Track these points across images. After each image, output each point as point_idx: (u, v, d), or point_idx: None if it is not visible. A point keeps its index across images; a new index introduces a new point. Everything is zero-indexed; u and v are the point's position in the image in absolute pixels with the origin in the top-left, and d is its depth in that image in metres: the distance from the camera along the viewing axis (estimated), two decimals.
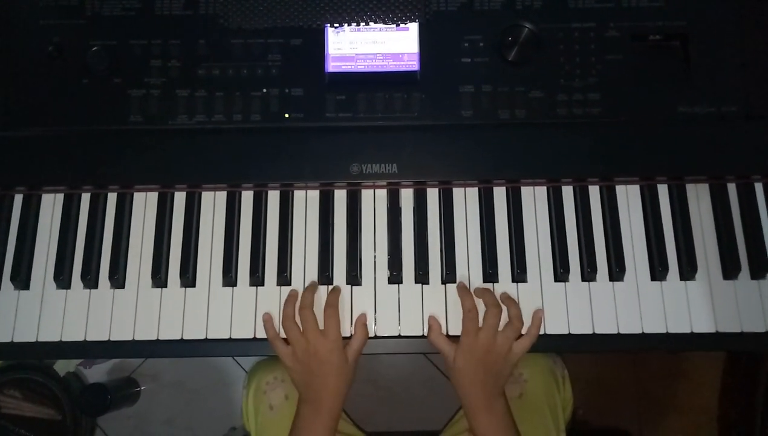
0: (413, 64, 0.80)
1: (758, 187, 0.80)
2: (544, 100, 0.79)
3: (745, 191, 0.80)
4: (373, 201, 0.81)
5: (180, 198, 0.81)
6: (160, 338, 0.76)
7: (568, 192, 0.81)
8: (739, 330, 0.75)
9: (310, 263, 0.79)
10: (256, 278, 0.78)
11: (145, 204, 0.80)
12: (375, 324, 0.76)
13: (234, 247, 0.79)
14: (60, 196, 0.81)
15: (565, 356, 0.94)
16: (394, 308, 0.77)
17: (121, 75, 0.80)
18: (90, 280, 0.77)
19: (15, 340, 0.76)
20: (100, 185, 0.80)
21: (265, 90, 0.79)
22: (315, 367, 0.72)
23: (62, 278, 0.77)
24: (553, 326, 0.76)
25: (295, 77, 0.80)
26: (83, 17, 0.80)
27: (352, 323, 0.76)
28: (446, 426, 0.93)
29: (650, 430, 1.39)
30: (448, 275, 0.77)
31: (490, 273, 0.77)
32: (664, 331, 0.75)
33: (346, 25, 0.80)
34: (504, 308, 0.74)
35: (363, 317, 0.76)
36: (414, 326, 0.76)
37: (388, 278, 0.78)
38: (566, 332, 0.76)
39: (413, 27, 0.81)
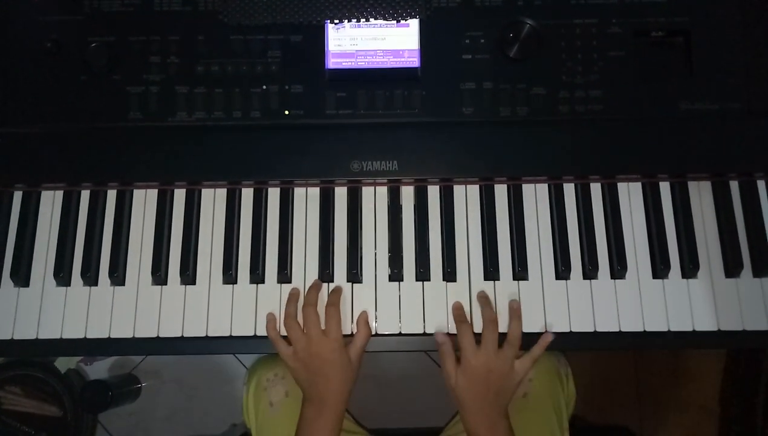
0: (414, 61, 0.80)
1: (761, 185, 0.80)
2: (546, 97, 0.78)
3: (747, 189, 0.79)
4: (374, 198, 0.80)
5: (180, 195, 0.80)
6: (160, 335, 0.76)
7: (569, 189, 0.80)
8: (741, 328, 0.75)
9: (311, 260, 0.78)
10: (257, 276, 0.77)
11: (144, 201, 0.80)
12: (376, 322, 0.76)
13: (234, 244, 0.78)
14: (59, 194, 0.81)
15: (567, 353, 0.94)
16: (394, 306, 0.77)
17: (120, 71, 0.79)
18: (90, 277, 0.77)
19: (15, 337, 0.76)
20: (100, 182, 0.80)
21: (264, 87, 0.79)
22: (317, 366, 0.72)
23: (62, 276, 0.77)
24: (555, 324, 0.75)
25: (295, 74, 0.79)
26: (82, 13, 0.80)
27: (353, 321, 0.76)
28: (448, 424, 0.93)
29: (651, 427, 1.39)
30: (449, 272, 0.77)
31: (491, 271, 0.77)
32: (666, 329, 0.75)
33: (346, 21, 0.80)
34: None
35: (365, 315, 0.76)
36: (415, 324, 0.76)
37: (389, 276, 0.78)
38: (567, 330, 0.75)
39: (414, 23, 0.80)
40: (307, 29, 0.80)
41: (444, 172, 0.79)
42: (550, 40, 0.79)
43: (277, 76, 0.79)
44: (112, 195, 0.81)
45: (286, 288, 0.77)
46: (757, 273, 0.77)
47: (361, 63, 0.80)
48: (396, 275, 0.77)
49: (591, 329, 0.75)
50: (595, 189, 0.80)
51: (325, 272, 0.77)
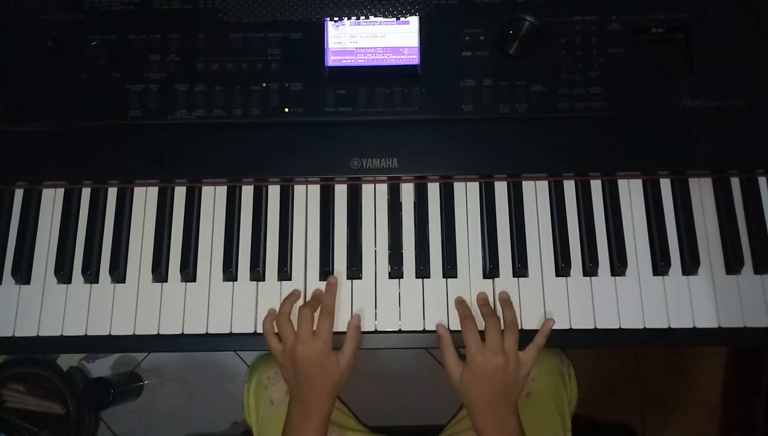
0: (414, 58, 0.80)
1: (762, 181, 0.79)
2: (546, 94, 0.78)
3: (748, 185, 0.79)
4: (374, 196, 0.80)
5: (180, 193, 0.81)
6: (161, 332, 0.76)
7: (569, 186, 0.80)
8: (741, 325, 0.75)
9: (311, 257, 0.79)
10: (257, 273, 0.77)
11: (145, 199, 0.80)
12: (376, 319, 0.76)
13: (234, 242, 0.79)
14: (60, 191, 0.81)
15: (568, 351, 0.94)
16: (394, 303, 0.77)
17: (120, 70, 0.79)
18: (90, 275, 0.78)
19: (16, 334, 0.76)
20: (101, 180, 0.80)
21: (264, 84, 0.79)
22: (304, 368, 0.72)
23: (63, 273, 0.77)
24: (555, 321, 0.75)
25: (294, 71, 0.79)
26: (82, 12, 0.80)
27: (352, 315, 0.76)
28: (450, 422, 0.93)
29: (652, 425, 1.39)
30: (449, 269, 0.77)
31: (491, 268, 0.77)
32: (666, 326, 0.75)
33: (346, 18, 0.80)
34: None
35: (356, 320, 0.75)
36: (415, 321, 0.76)
37: (389, 273, 0.78)
38: (568, 327, 0.75)
39: (414, 21, 0.80)
40: (307, 27, 0.80)
41: (444, 170, 0.79)
42: (549, 37, 0.79)
43: (277, 73, 0.79)
44: (112, 193, 0.81)
45: (286, 286, 0.77)
46: (758, 270, 0.76)
47: (361, 60, 0.80)
48: (396, 272, 0.77)
49: (591, 326, 0.75)
50: (596, 186, 0.80)
51: (325, 269, 0.77)
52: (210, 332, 0.76)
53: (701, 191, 0.79)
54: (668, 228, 0.78)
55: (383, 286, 0.77)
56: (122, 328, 0.76)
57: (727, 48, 0.78)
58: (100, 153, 0.79)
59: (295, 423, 0.73)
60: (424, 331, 0.76)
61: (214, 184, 0.81)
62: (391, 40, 0.80)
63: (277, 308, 0.76)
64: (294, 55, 0.80)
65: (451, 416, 0.94)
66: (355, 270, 0.77)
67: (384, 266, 0.78)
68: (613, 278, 0.77)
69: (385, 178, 0.80)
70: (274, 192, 0.81)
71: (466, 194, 0.80)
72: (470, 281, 0.77)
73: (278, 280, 0.78)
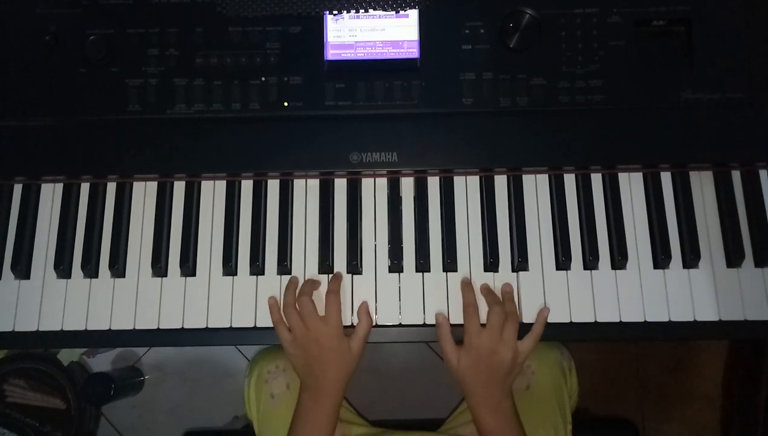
0: (413, 52, 0.80)
1: (763, 175, 0.79)
2: (546, 88, 0.78)
3: (749, 178, 0.79)
4: (374, 190, 0.80)
5: (179, 187, 0.81)
6: (161, 326, 0.76)
7: (570, 180, 0.80)
8: (742, 318, 0.75)
9: (311, 252, 0.78)
10: (257, 267, 0.77)
11: (144, 194, 0.80)
12: (376, 313, 0.76)
13: (234, 236, 0.78)
14: (59, 187, 0.81)
15: (568, 343, 0.94)
16: (394, 297, 0.77)
17: (118, 64, 0.79)
18: (90, 269, 0.78)
19: (16, 329, 0.76)
20: (100, 175, 0.80)
21: (263, 78, 0.79)
22: (316, 353, 0.72)
23: (62, 268, 0.77)
24: (555, 315, 0.75)
25: (294, 65, 0.79)
26: (80, 6, 0.80)
27: (353, 312, 0.76)
28: (450, 416, 0.93)
29: (653, 419, 1.39)
30: (449, 263, 0.77)
31: (491, 262, 0.77)
32: (666, 319, 0.75)
33: (345, 12, 0.80)
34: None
35: (366, 305, 0.76)
36: (415, 315, 0.76)
37: (389, 267, 0.78)
38: (568, 321, 0.75)
39: (413, 14, 0.80)
40: (306, 20, 0.80)
41: (444, 163, 0.79)
42: (550, 30, 0.79)
43: (276, 67, 0.79)
44: (111, 188, 0.81)
45: (286, 280, 0.77)
46: (759, 263, 0.76)
47: (361, 54, 0.80)
48: (396, 266, 0.77)
49: (592, 320, 0.75)
50: (596, 179, 0.80)
51: (325, 264, 0.77)
52: (210, 326, 0.76)
53: (702, 184, 0.79)
54: (669, 221, 0.78)
55: (383, 280, 0.77)
56: (122, 322, 0.76)
57: (729, 40, 0.78)
58: (99, 148, 0.79)
59: (306, 410, 0.73)
60: (424, 325, 0.76)
61: (214, 178, 0.80)
62: (390, 33, 0.80)
63: (277, 299, 0.76)
64: (293, 49, 0.79)
65: (451, 409, 0.94)
66: (355, 264, 0.77)
67: (384, 260, 0.78)
68: (613, 271, 0.77)
69: (385, 172, 0.80)
70: (273, 186, 0.80)
71: (466, 188, 0.80)
72: (470, 275, 0.77)
73: (278, 274, 0.78)
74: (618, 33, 0.79)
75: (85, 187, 0.81)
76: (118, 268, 0.77)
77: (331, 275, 0.78)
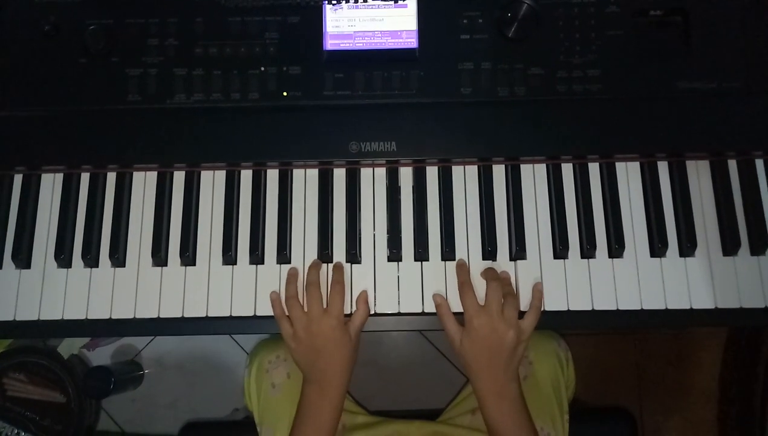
0: (412, 42, 0.80)
1: (759, 164, 0.80)
2: (544, 77, 0.78)
3: (745, 167, 0.79)
4: (373, 179, 0.81)
5: (179, 177, 0.81)
6: (161, 315, 0.76)
7: (567, 169, 0.80)
8: (738, 306, 0.75)
9: (310, 241, 0.79)
10: (256, 257, 0.78)
11: (144, 183, 0.81)
12: (375, 302, 0.77)
13: (233, 226, 0.79)
14: (60, 176, 0.81)
15: (566, 336, 0.94)
16: (393, 286, 0.77)
17: (118, 54, 0.79)
18: (90, 259, 0.78)
19: (17, 318, 0.77)
20: (100, 165, 0.80)
21: (263, 68, 0.79)
22: (319, 345, 0.72)
23: (63, 257, 0.78)
24: (552, 303, 0.76)
25: (293, 55, 0.79)
26: None
27: (352, 301, 0.76)
28: (449, 405, 0.93)
29: (650, 410, 1.40)
30: (448, 252, 0.77)
31: (489, 250, 0.77)
32: (663, 307, 0.76)
33: (344, 2, 0.80)
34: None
35: (364, 294, 0.76)
36: (413, 304, 0.77)
37: (388, 256, 0.78)
38: (565, 309, 0.76)
39: (412, 4, 0.80)
40: (305, 10, 0.80)
41: (442, 153, 0.79)
42: (548, 19, 0.79)
43: (275, 57, 0.79)
44: (111, 177, 0.81)
45: (286, 269, 0.78)
46: (755, 251, 0.77)
47: (359, 44, 0.80)
48: (395, 255, 0.77)
49: (589, 308, 0.76)
50: (593, 169, 0.80)
51: (324, 253, 0.78)
52: (210, 315, 0.76)
53: (699, 174, 0.80)
54: (666, 210, 0.78)
55: (382, 269, 0.78)
56: (123, 311, 0.77)
57: (726, 30, 0.79)
58: (99, 138, 0.79)
59: (312, 403, 0.73)
60: (423, 313, 0.76)
61: (213, 168, 0.81)
62: (389, 23, 0.80)
63: (276, 290, 0.77)
64: (292, 39, 0.80)
65: (449, 399, 0.94)
66: (354, 253, 0.78)
67: (383, 250, 0.78)
68: (610, 259, 0.77)
69: (384, 161, 0.80)
70: (272, 176, 0.81)
71: (465, 177, 0.80)
72: (469, 264, 0.77)
73: (277, 263, 0.78)
74: (615, 23, 0.79)
75: (85, 177, 0.81)
76: (118, 257, 0.78)
77: (330, 264, 0.78)
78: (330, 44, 0.80)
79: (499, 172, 0.80)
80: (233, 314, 0.76)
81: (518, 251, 0.77)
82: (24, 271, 0.78)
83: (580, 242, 0.78)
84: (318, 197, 0.80)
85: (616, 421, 0.99)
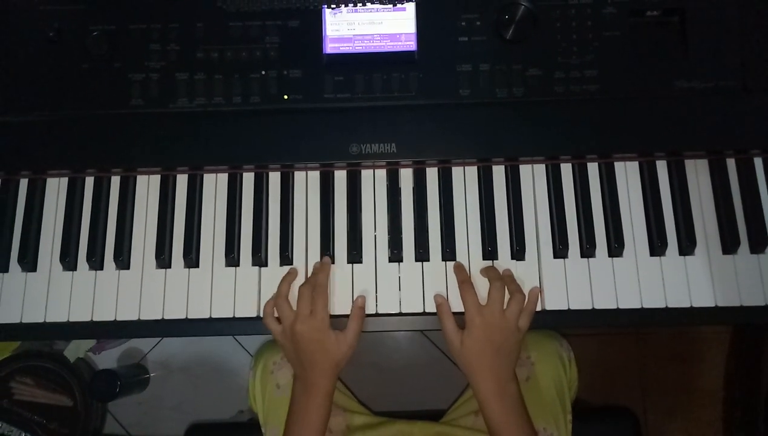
0: (411, 45, 0.81)
1: (757, 162, 0.80)
2: (542, 78, 0.79)
3: (744, 166, 0.80)
4: (373, 181, 0.81)
5: (182, 180, 0.82)
6: (165, 317, 0.77)
7: (566, 169, 0.81)
8: (738, 304, 0.75)
9: (312, 242, 0.79)
10: (259, 259, 0.79)
11: (147, 187, 0.82)
12: (376, 302, 0.77)
13: (236, 228, 0.80)
14: (64, 180, 0.82)
15: (569, 337, 0.94)
16: (394, 286, 0.78)
17: (121, 59, 0.80)
18: (95, 261, 0.79)
19: (24, 321, 0.78)
20: (104, 169, 0.81)
21: (263, 72, 0.80)
22: (303, 346, 0.73)
23: (68, 260, 0.79)
24: (553, 302, 0.76)
25: (293, 59, 0.80)
26: (83, 2, 0.81)
27: (353, 300, 0.77)
28: (452, 406, 0.93)
29: (654, 411, 1.40)
30: (448, 252, 0.78)
31: (489, 250, 0.78)
32: (663, 305, 0.76)
33: (343, 6, 0.81)
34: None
35: (360, 300, 0.76)
36: (414, 304, 0.77)
37: (389, 257, 0.79)
38: (566, 308, 0.76)
39: (410, 7, 0.81)
40: (305, 14, 0.81)
41: (442, 154, 0.80)
42: (545, 21, 0.80)
43: (276, 61, 0.80)
44: (115, 181, 0.82)
45: (288, 270, 0.78)
46: (754, 249, 0.77)
47: (359, 47, 0.81)
48: (396, 256, 0.78)
49: (589, 307, 0.76)
50: (593, 169, 0.81)
51: (326, 254, 0.78)
52: (213, 316, 0.77)
53: (697, 172, 0.80)
54: (665, 209, 0.79)
55: (383, 269, 0.78)
56: (127, 313, 0.77)
57: (723, 29, 0.79)
58: (102, 142, 0.80)
59: (298, 401, 0.75)
60: (424, 313, 0.77)
61: (216, 171, 0.82)
62: (388, 26, 0.81)
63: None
64: (292, 42, 0.81)
65: (452, 400, 0.95)
66: (355, 254, 0.78)
67: (384, 250, 0.79)
68: (610, 259, 0.78)
69: (384, 163, 0.81)
70: (274, 178, 0.82)
71: (465, 178, 0.81)
72: (469, 264, 0.78)
73: (280, 265, 0.79)
74: (613, 23, 0.80)
75: (89, 181, 0.82)
76: (122, 260, 0.79)
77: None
78: (330, 48, 0.81)
79: (498, 172, 0.81)
80: (236, 316, 0.77)
81: (518, 251, 0.78)
82: (30, 274, 0.79)
83: (579, 241, 0.78)
84: (319, 199, 0.81)
85: (618, 421, 0.99)
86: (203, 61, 0.80)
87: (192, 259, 0.79)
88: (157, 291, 0.78)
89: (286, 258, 0.79)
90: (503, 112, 0.79)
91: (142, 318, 0.77)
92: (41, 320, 0.78)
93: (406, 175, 0.81)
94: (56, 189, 0.82)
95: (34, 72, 0.81)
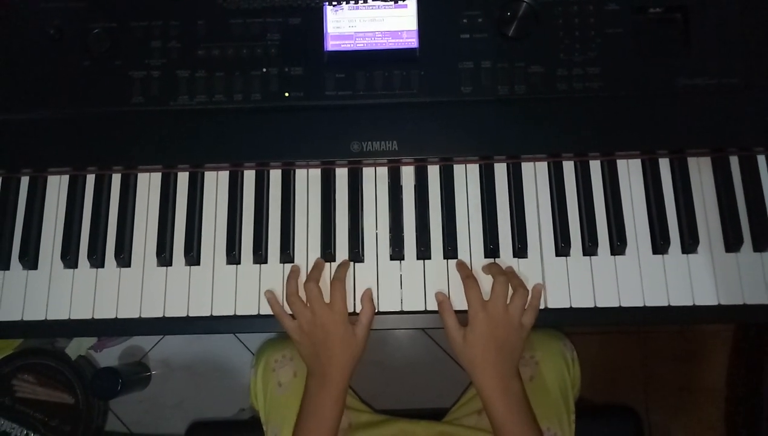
0: (412, 42, 0.80)
1: (761, 160, 0.80)
2: (544, 75, 0.79)
3: (747, 164, 0.79)
4: (374, 178, 0.81)
5: (183, 178, 0.82)
6: (166, 315, 0.77)
7: (568, 167, 0.81)
8: (741, 302, 0.75)
9: (313, 240, 0.79)
10: (260, 256, 0.78)
11: (148, 184, 0.81)
12: (378, 300, 0.77)
13: (237, 225, 0.80)
14: (65, 178, 0.82)
15: (571, 336, 0.94)
16: (396, 284, 0.77)
17: (122, 57, 0.80)
18: (96, 259, 0.79)
19: (25, 318, 0.78)
20: (105, 166, 0.81)
21: (265, 69, 0.80)
22: (321, 338, 0.73)
23: (69, 258, 0.79)
24: (555, 300, 0.76)
25: (294, 56, 0.80)
26: (84, 0, 0.81)
27: (355, 299, 0.77)
28: (454, 405, 0.93)
29: (656, 410, 1.39)
30: (450, 250, 0.78)
31: (491, 248, 0.78)
32: (666, 303, 0.75)
33: (344, 3, 0.81)
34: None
35: (369, 292, 0.76)
36: (416, 302, 0.77)
37: (390, 255, 0.79)
38: (568, 306, 0.76)
39: (412, 4, 0.81)
40: (306, 12, 0.81)
41: (443, 152, 0.79)
42: (547, 18, 0.80)
43: (277, 58, 0.80)
44: (116, 179, 0.82)
45: (289, 268, 0.78)
46: (757, 248, 0.77)
47: (360, 45, 0.81)
48: (397, 254, 0.78)
49: (591, 305, 0.76)
50: (595, 166, 0.80)
51: (327, 252, 0.78)
52: (214, 314, 0.77)
53: (700, 170, 0.80)
54: (667, 207, 0.78)
55: (385, 267, 0.78)
56: (128, 311, 0.77)
57: (725, 26, 0.78)
58: (103, 140, 0.80)
59: (313, 396, 0.74)
60: (425, 311, 0.77)
61: (217, 168, 0.81)
62: (389, 23, 0.81)
63: (279, 290, 0.77)
64: (293, 40, 0.80)
65: (455, 399, 0.94)
66: (356, 252, 0.78)
67: (385, 248, 0.79)
68: (612, 257, 0.77)
69: (386, 160, 0.80)
70: (275, 176, 0.81)
71: (466, 176, 0.81)
72: (471, 262, 0.78)
73: (281, 262, 0.79)
74: (615, 20, 0.79)
75: (90, 179, 0.82)
76: (123, 257, 0.79)
77: (333, 263, 0.78)
78: (331, 45, 0.81)
79: (500, 170, 0.81)
80: (237, 313, 0.77)
81: (520, 249, 0.77)
82: (31, 272, 0.79)
83: (581, 239, 0.78)
84: (320, 197, 0.80)
85: (621, 420, 0.98)
86: (204, 58, 0.80)
87: (193, 257, 0.79)
88: (158, 289, 0.78)
89: (287, 256, 0.78)
90: (505, 109, 0.79)
91: (143, 316, 0.77)
92: (42, 318, 0.78)
93: (407, 173, 0.81)
94: (57, 187, 0.82)
95: (34, 70, 0.80)
